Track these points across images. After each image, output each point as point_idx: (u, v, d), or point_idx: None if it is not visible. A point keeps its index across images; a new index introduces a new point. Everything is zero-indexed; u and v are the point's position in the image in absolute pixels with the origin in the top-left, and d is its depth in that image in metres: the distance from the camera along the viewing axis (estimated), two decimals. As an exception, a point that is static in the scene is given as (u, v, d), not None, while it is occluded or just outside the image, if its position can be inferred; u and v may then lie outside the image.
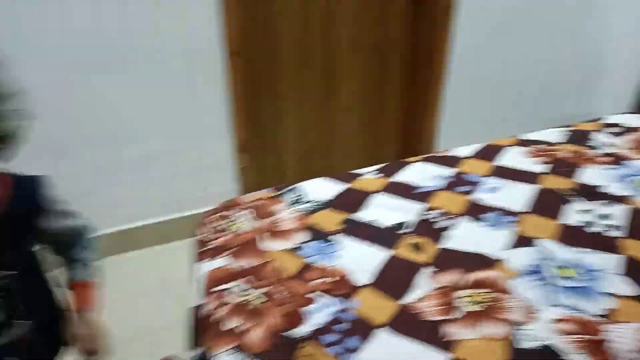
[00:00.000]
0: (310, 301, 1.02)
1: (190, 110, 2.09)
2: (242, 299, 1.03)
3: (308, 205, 1.37)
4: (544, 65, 2.72)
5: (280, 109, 2.44)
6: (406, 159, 1.62)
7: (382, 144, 2.76)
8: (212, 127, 2.18)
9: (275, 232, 1.25)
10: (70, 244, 0.98)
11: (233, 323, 0.97)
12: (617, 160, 1.55)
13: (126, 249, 2.26)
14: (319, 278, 1.09)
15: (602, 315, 0.95)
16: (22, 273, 0.88)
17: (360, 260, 1.14)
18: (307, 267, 1.12)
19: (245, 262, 1.14)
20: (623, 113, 1.96)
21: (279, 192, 1.44)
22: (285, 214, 1.33)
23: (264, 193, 1.44)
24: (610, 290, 1.00)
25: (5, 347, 0.90)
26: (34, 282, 0.96)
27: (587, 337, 0.89)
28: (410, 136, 2.76)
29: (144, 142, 2.06)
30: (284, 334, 0.94)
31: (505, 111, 2.75)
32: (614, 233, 1.19)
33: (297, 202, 1.39)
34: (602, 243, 1.15)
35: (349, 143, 2.69)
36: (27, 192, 0.87)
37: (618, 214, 1.26)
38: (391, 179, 1.49)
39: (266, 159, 2.53)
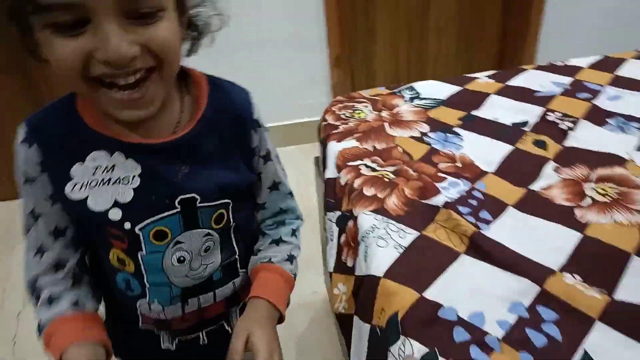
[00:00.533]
0: (440, 179, 1.07)
1: (288, 23, 2.12)
2: (375, 173, 1.10)
3: (426, 101, 1.39)
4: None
5: (373, 25, 2.41)
6: (521, 66, 1.59)
7: (475, 70, 2.70)
8: (308, 41, 2.22)
9: (399, 122, 1.29)
10: (282, 221, 0.83)
11: (370, 191, 1.04)
12: None
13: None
14: (445, 162, 1.13)
15: None
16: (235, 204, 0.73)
17: (484, 151, 1.17)
18: (433, 152, 1.17)
19: (373, 145, 1.20)
20: None
21: (395, 89, 1.47)
22: (405, 107, 1.36)
23: (380, 90, 1.48)
24: None
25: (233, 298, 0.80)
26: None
27: None
28: (508, 62, 2.67)
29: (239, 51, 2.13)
30: (420, 201, 1.00)
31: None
32: None
33: (415, 98, 1.41)
34: None
35: (441, 65, 2.64)
36: (229, 96, 0.72)
37: None
38: (507, 83, 1.48)
39: (358, 76, 2.54)
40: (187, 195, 0.67)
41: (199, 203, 0.68)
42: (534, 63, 2.50)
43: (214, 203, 0.70)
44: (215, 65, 0.80)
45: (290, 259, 0.81)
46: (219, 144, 0.70)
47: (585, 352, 0.70)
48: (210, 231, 0.72)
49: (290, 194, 0.85)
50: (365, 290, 0.89)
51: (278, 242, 0.82)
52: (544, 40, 2.54)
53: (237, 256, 0.79)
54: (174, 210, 0.67)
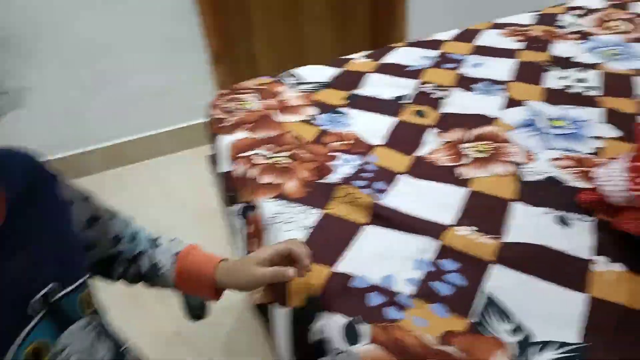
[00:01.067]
0: (333, 158, 1.09)
1: (159, 26, 2.05)
2: (270, 161, 1.09)
3: (309, 86, 1.41)
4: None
5: (250, 19, 2.40)
6: (391, 45, 1.67)
7: (354, 53, 2.79)
8: (184, 42, 2.16)
9: (286, 108, 1.30)
10: (133, 234, 0.74)
11: (267, 179, 1.04)
12: (584, 36, 1.66)
13: (119, 163, 2.26)
14: (337, 141, 1.16)
15: (592, 153, 1.07)
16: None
17: (370, 126, 1.22)
18: (323, 133, 1.19)
19: (264, 134, 1.19)
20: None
21: (277, 78, 1.47)
22: (291, 94, 1.37)
23: (263, 79, 1.47)
24: (597, 134, 1.13)
25: None
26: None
27: (582, 168, 1.02)
28: (383, 42, 2.78)
29: (117, 57, 2.03)
30: (317, 181, 1.02)
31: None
32: (591, 92, 1.31)
33: (298, 84, 1.43)
34: (583, 100, 1.27)
35: (321, 52, 2.70)
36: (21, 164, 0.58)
37: (592, 77, 1.38)
38: (381, 61, 1.55)
39: (242, 72, 2.52)
40: (46, 289, 0.53)
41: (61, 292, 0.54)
42: (404, 41, 2.64)
43: (75, 285, 0.56)
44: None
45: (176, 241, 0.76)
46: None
47: (488, 297, 0.76)
48: (86, 318, 0.58)
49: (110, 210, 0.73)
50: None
51: (153, 246, 0.75)
52: (413, 18, 2.68)
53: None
54: (38, 315, 0.51)
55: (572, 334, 0.69)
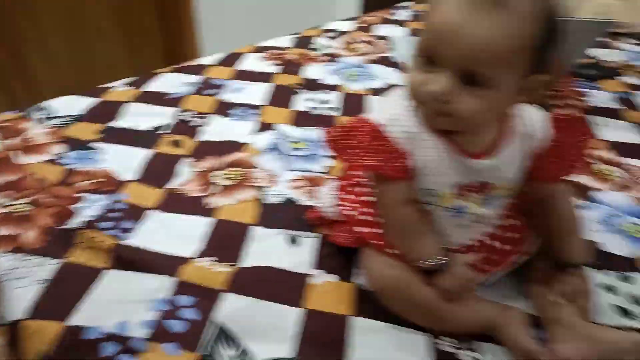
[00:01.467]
0: (78, 200, 1.06)
1: None
2: (7, 210, 1.02)
3: (60, 120, 1.35)
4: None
5: (20, 27, 2.18)
6: (155, 71, 1.67)
7: (148, 66, 2.70)
8: None
9: (30, 147, 1.22)
10: None
11: (3, 231, 0.97)
12: (332, 58, 1.86)
13: None
14: (84, 180, 1.13)
15: (323, 172, 1.21)
16: None
17: (124, 160, 1.21)
18: (70, 173, 1.15)
19: (1, 179, 1.11)
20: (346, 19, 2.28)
21: (24, 112, 1.37)
22: (38, 130, 1.29)
23: (8, 115, 1.36)
24: (328, 154, 1.28)
25: None
26: None
27: (312, 188, 1.15)
28: (175, 54, 2.75)
29: None
30: (58, 227, 0.98)
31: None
32: (332, 113, 1.48)
33: (48, 118, 1.35)
34: (324, 121, 1.43)
35: (114, 72, 2.56)
36: None
37: (334, 98, 1.56)
38: (143, 89, 1.54)
39: (18, 91, 2.27)
40: None
41: None
42: (200, 56, 2.65)
43: None
44: None
45: None
46: None
47: (219, 326, 0.82)
48: None
49: None
50: (11, 337, 0.84)
51: None
52: (206, 34, 2.71)
53: None
54: None
55: (288, 348, 0.79)
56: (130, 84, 1.57)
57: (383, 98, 0.89)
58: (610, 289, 0.92)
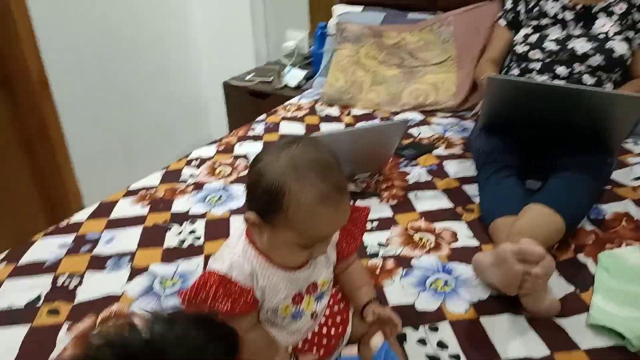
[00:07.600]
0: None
1: None
2: None
3: None
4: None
5: None
6: (30, 239, 1.66)
7: (28, 226, 2.63)
8: None
9: None
10: None
11: None
12: (198, 186, 1.96)
13: None
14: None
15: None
16: None
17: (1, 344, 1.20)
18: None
19: None
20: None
21: None
22: None
23: None
24: (198, 283, 1.35)
25: None
26: None
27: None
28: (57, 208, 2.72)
29: None
30: None
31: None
32: (197, 242, 1.57)
33: None
34: (191, 252, 1.51)
35: None
36: None
37: (200, 227, 1.66)
38: (19, 263, 1.53)
39: None
40: None
41: None
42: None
43: None
44: None
45: None
46: None
47: None
48: None
49: None
50: None
51: None
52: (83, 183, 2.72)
53: None
54: None
55: None
56: (3, 260, 1.54)
57: (224, 245, 1.01)
58: (422, 341, 1.08)
